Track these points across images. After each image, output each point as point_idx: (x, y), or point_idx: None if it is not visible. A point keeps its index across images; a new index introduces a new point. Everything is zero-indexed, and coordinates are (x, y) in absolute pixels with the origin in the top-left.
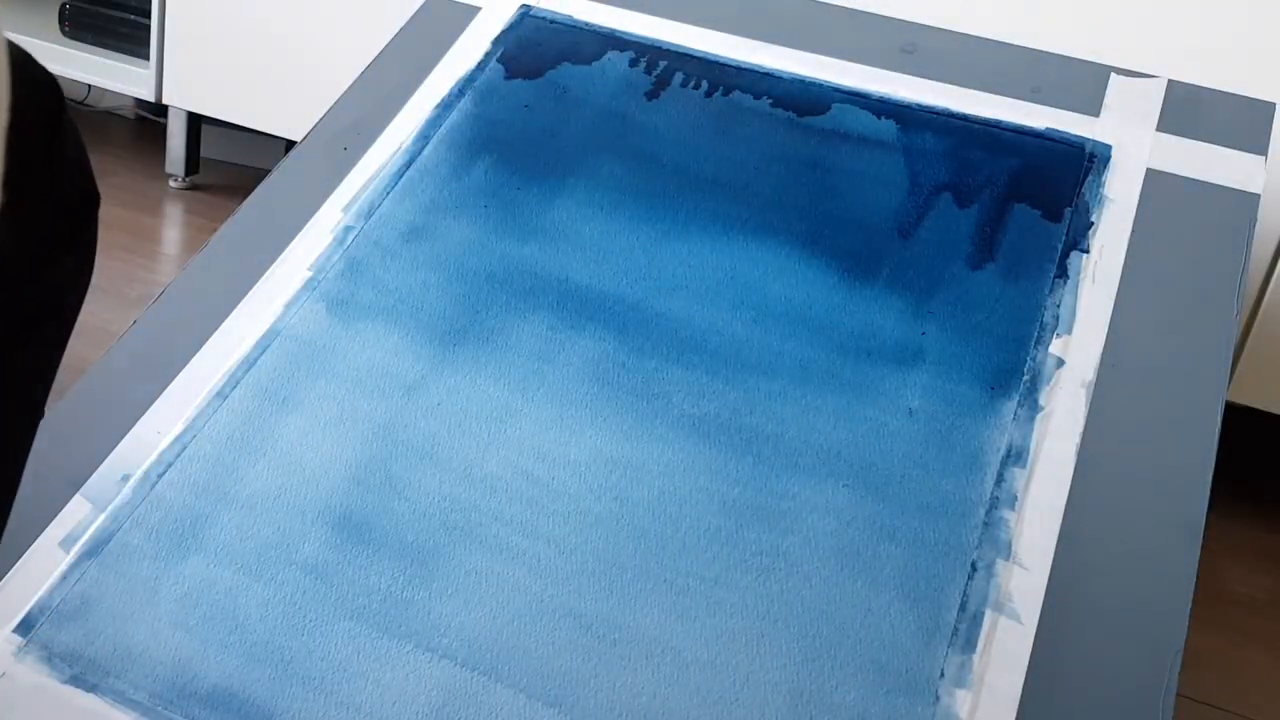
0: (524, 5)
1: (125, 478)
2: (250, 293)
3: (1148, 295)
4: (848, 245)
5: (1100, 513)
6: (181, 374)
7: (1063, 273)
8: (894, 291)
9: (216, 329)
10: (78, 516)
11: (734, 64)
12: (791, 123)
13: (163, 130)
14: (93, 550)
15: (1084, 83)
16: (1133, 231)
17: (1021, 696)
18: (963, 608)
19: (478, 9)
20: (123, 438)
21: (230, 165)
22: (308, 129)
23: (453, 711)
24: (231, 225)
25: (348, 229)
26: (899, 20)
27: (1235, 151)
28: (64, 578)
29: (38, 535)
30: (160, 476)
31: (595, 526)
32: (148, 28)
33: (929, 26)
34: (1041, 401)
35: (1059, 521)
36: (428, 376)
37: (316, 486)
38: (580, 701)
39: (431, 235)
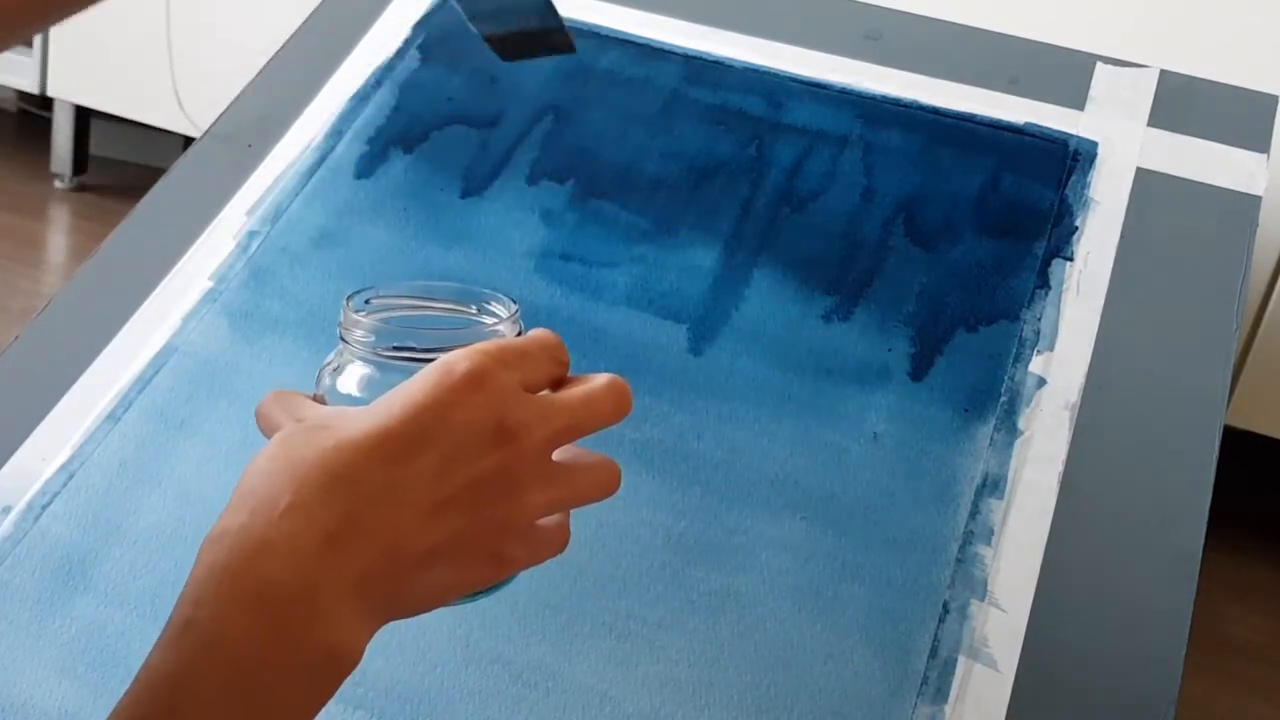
0: None
1: (6, 510)
2: (144, 305)
3: (1138, 308)
4: (805, 253)
5: (1085, 548)
6: (68, 395)
7: (1044, 283)
8: (857, 304)
9: (106, 345)
10: None
11: (680, 51)
12: (743, 117)
13: (47, 125)
14: None
15: (1067, 73)
16: (1121, 237)
17: None
18: (933, 654)
19: None
20: (2, 466)
21: (122, 164)
22: (208, 124)
23: None
24: (123, 230)
25: (252, 234)
26: (863, 3)
27: (1234, 149)
28: None
29: None
30: (44, 508)
31: None
32: None
33: (896, 10)
34: (1020, 425)
35: (1039, 558)
36: None
37: (217, 519)
38: None
39: (345, 241)
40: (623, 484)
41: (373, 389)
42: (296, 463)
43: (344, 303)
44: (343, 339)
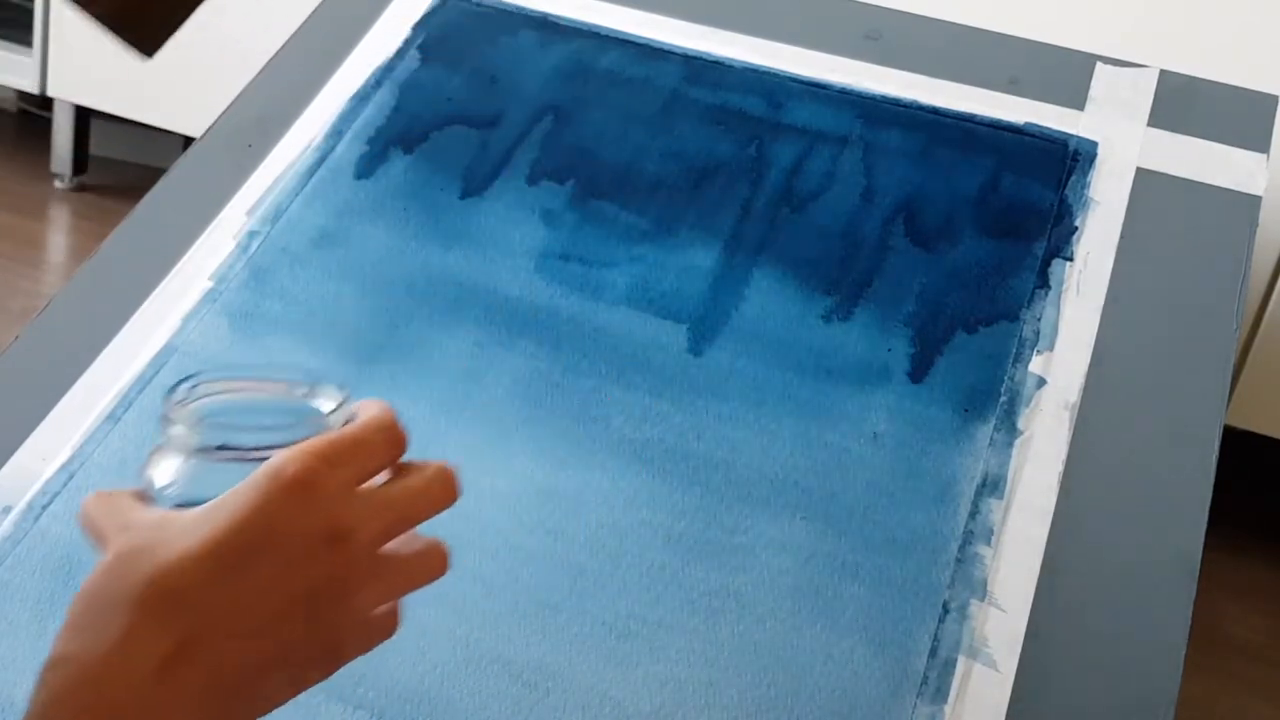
0: None
1: (6, 510)
2: (144, 305)
3: (1137, 308)
4: (805, 253)
5: (1085, 548)
6: (68, 395)
7: (1044, 283)
8: (856, 304)
9: (107, 345)
10: None
11: (679, 52)
12: (743, 117)
13: (48, 125)
14: None
15: (1067, 73)
16: (1121, 237)
17: None
18: (933, 653)
19: None
20: (2, 466)
21: (122, 164)
22: (208, 124)
23: None
24: (123, 230)
25: (252, 234)
26: (862, 3)
27: (1234, 149)
28: None
29: None
30: (45, 508)
31: (526, 564)
32: (30, 12)
33: (895, 10)
34: (1020, 425)
35: (1039, 558)
36: None
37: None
38: None
39: (345, 241)
40: (622, 483)
41: (199, 488)
42: (128, 588)
43: (165, 396)
44: (166, 434)
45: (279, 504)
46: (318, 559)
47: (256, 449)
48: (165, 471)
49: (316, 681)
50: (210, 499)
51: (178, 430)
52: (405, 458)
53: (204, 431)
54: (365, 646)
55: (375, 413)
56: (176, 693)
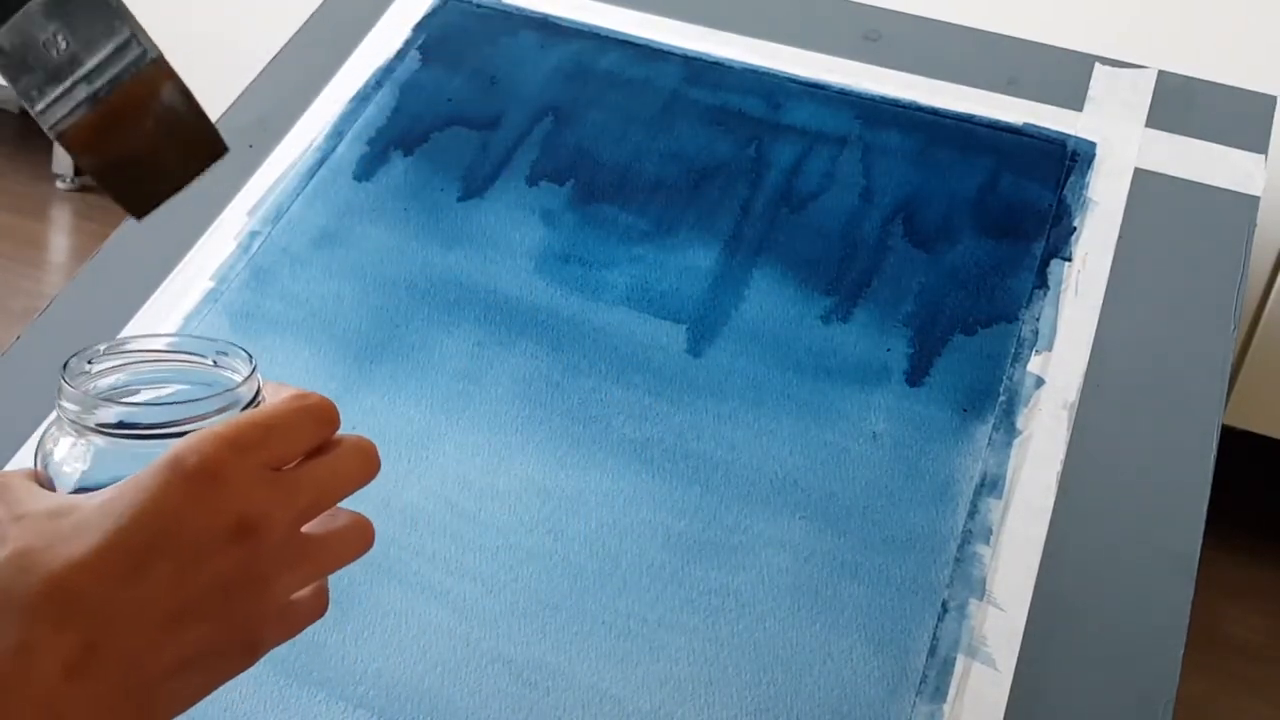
0: None
1: None
2: (146, 305)
3: (1136, 308)
4: (804, 253)
5: (1083, 548)
6: None
7: (1042, 283)
8: (855, 304)
9: None
10: None
11: (679, 53)
12: (742, 117)
13: None
14: None
15: (1066, 73)
16: (1119, 237)
17: None
18: (932, 652)
19: None
20: (4, 466)
21: None
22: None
23: None
24: (125, 231)
25: (253, 235)
26: (861, 4)
27: (1232, 149)
28: None
29: None
30: None
31: (526, 563)
32: None
33: (894, 11)
34: (1019, 425)
35: (1038, 557)
36: (341, 397)
37: None
38: None
39: (346, 241)
40: (622, 483)
41: (98, 469)
42: (25, 593)
43: (62, 369)
44: (61, 410)
45: (181, 497)
46: (226, 553)
47: (157, 426)
48: (62, 449)
49: (237, 673)
50: (110, 481)
51: (74, 410)
52: (410, 458)
53: (101, 408)
54: (289, 633)
55: (301, 397)
56: (85, 698)
